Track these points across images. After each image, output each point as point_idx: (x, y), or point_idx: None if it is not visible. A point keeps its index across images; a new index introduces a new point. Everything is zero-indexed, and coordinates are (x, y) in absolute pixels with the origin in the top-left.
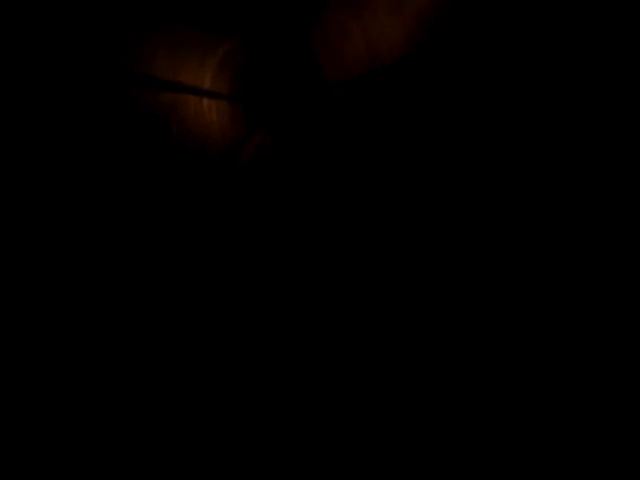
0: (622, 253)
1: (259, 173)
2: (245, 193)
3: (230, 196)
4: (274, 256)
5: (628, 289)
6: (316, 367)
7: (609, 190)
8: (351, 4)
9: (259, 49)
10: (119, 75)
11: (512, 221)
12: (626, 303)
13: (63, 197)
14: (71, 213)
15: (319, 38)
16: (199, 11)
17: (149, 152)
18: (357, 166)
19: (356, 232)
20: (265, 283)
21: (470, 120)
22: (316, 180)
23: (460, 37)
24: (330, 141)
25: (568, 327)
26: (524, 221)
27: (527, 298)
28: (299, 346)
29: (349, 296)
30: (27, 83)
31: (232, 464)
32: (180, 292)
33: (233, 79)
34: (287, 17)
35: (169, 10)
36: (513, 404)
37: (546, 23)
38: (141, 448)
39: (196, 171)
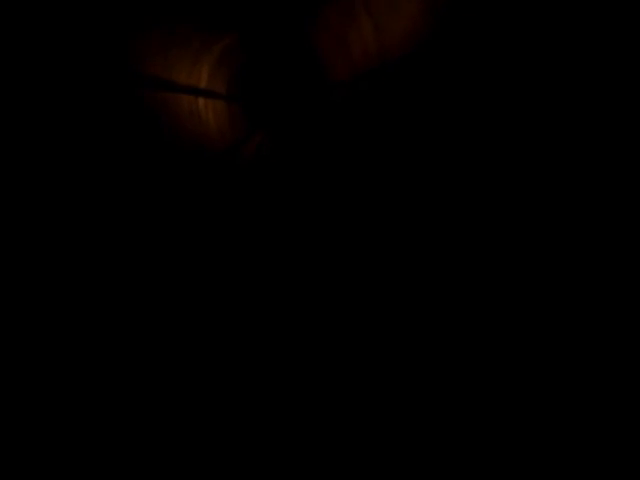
0: (621, 250)
1: (259, 174)
2: (245, 195)
3: (229, 198)
4: (274, 256)
5: (627, 286)
6: (316, 366)
7: (608, 188)
8: None
9: (259, 46)
10: (105, 72)
11: (515, 216)
12: (626, 301)
13: (58, 197)
14: (67, 213)
15: (321, 34)
16: (193, 4)
17: (137, 153)
18: (359, 166)
19: (358, 232)
20: (265, 283)
21: (473, 119)
22: (317, 181)
23: (462, 35)
24: (332, 141)
25: (568, 325)
26: (527, 215)
27: (526, 296)
28: (299, 345)
29: (349, 295)
30: (22, 81)
31: (232, 464)
32: (179, 292)
33: (231, 77)
34: (288, 13)
35: (160, 2)
36: (513, 404)
37: (550, 20)
38: (141, 448)
39: (190, 173)
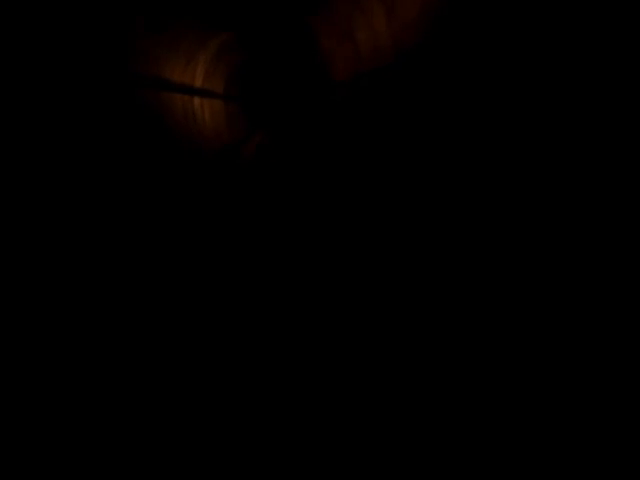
0: (621, 250)
1: (259, 175)
2: (245, 196)
3: (226, 199)
4: (274, 256)
5: (627, 286)
6: (315, 366)
7: (608, 186)
8: None
9: (258, 42)
10: (91, 69)
11: (515, 216)
12: (625, 300)
13: (54, 197)
14: (63, 213)
15: (324, 30)
16: None
17: (128, 154)
18: (361, 167)
19: (360, 232)
20: (265, 283)
21: (475, 119)
22: (318, 181)
23: (464, 34)
24: (334, 141)
25: (567, 325)
26: (527, 215)
27: (526, 295)
28: (298, 344)
29: (349, 294)
30: (19, 80)
31: (232, 464)
32: (179, 293)
33: (230, 75)
34: (289, 7)
35: None
36: (513, 403)
37: (550, 20)
38: (141, 448)
39: (183, 174)
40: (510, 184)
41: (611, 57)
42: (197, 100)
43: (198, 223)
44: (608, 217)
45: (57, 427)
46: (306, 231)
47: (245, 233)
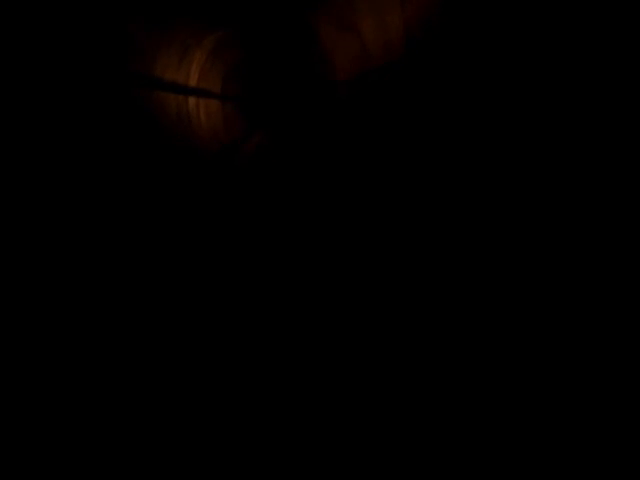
0: (621, 251)
1: (259, 176)
2: (244, 197)
3: (224, 201)
4: (274, 257)
5: (627, 286)
6: (315, 365)
7: (607, 185)
8: None
9: (257, 40)
10: (79, 67)
11: (515, 215)
12: (626, 301)
13: (49, 198)
14: (60, 213)
15: (325, 27)
16: None
17: (121, 155)
18: (363, 168)
19: (360, 232)
20: (265, 284)
21: (477, 118)
22: (319, 182)
23: (465, 34)
24: (335, 142)
25: (567, 325)
26: (527, 214)
27: (526, 296)
28: (298, 344)
29: (349, 294)
30: (17, 80)
31: (232, 464)
32: (179, 294)
33: (227, 74)
34: (289, 2)
35: None
36: (512, 403)
37: (548, 20)
38: (141, 447)
39: (178, 176)
40: (513, 183)
41: (611, 56)
42: (192, 100)
43: (196, 226)
44: (608, 217)
45: (57, 427)
46: (306, 231)
47: (245, 235)
